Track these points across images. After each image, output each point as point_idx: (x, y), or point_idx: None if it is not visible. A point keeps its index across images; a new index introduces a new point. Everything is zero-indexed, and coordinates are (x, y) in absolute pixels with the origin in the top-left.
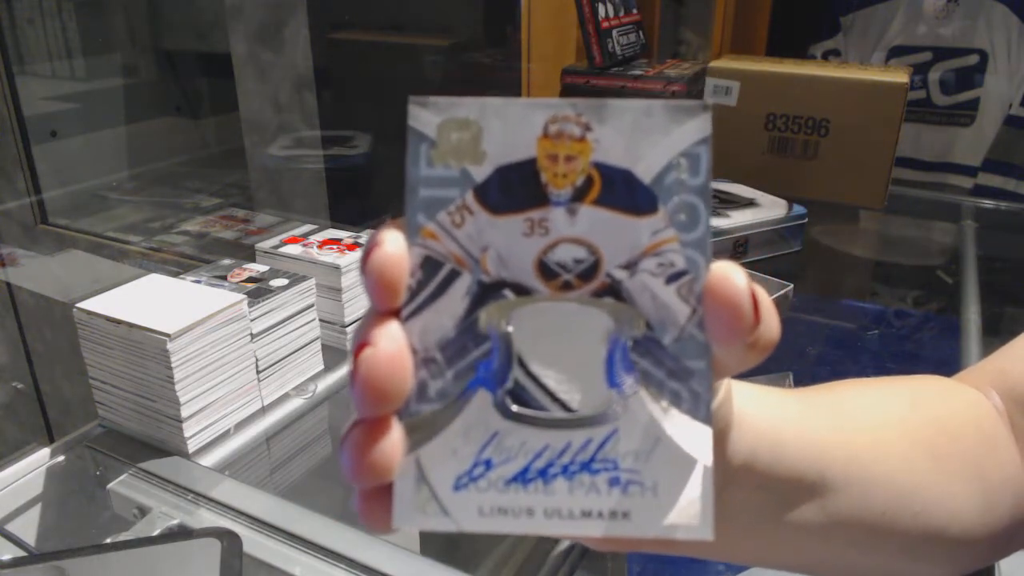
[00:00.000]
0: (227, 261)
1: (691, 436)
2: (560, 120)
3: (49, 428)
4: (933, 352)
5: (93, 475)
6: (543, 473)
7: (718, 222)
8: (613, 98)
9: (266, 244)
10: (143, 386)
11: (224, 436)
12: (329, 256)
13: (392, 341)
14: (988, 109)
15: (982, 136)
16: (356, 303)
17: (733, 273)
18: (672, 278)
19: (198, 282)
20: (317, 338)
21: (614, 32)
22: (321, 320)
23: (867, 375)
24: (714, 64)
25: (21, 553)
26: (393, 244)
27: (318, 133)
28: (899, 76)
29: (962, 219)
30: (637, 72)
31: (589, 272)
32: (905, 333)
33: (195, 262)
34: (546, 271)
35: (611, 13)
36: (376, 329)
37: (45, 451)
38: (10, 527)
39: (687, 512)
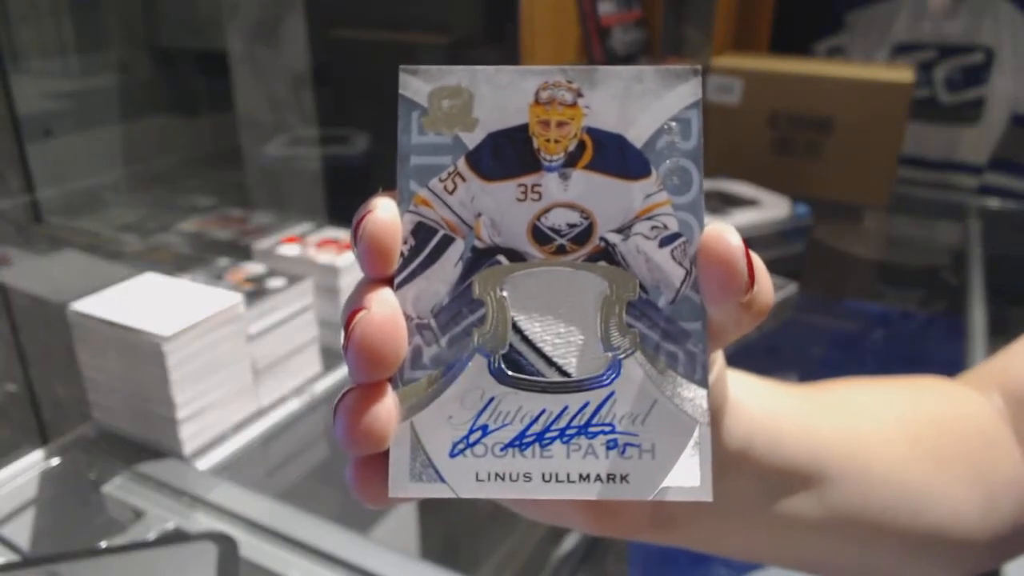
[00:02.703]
0: (224, 261)
1: (688, 398)
2: (551, 86)
3: (43, 431)
4: (938, 353)
5: (88, 478)
6: (540, 438)
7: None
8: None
9: (263, 244)
10: (138, 388)
11: (221, 438)
12: (326, 257)
13: (385, 305)
14: (994, 107)
15: (988, 134)
16: None
17: (727, 232)
18: (666, 241)
19: (194, 281)
20: (315, 339)
21: (615, 29)
22: (319, 321)
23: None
24: (717, 62)
25: (15, 557)
26: (385, 211)
27: (316, 131)
28: (904, 74)
29: (967, 219)
30: None
31: (583, 236)
32: (909, 334)
33: (191, 262)
34: (540, 236)
35: (612, 10)
36: (369, 294)
37: (39, 454)
38: (4, 531)
39: (685, 474)
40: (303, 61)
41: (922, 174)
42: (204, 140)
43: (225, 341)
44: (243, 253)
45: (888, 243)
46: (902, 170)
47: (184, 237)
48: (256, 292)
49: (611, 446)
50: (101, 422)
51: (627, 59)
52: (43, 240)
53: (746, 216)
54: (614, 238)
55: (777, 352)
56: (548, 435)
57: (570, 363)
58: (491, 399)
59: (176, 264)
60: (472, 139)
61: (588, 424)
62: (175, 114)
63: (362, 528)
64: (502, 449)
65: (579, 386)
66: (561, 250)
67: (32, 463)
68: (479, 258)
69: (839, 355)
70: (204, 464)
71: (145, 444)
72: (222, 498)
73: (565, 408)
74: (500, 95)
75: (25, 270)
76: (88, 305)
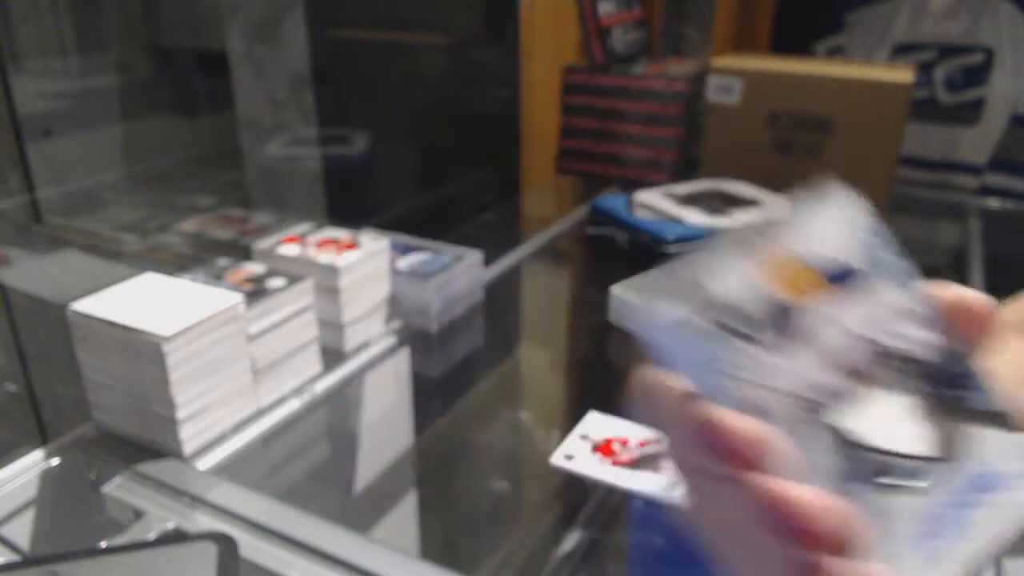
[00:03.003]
0: (224, 261)
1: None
2: (765, 246)
3: (43, 431)
4: None
5: (87, 478)
6: (961, 517)
7: (720, 222)
8: (791, 206)
9: (263, 244)
10: (138, 388)
11: (221, 438)
12: (326, 257)
13: (804, 488)
14: (994, 107)
15: (988, 135)
16: (353, 304)
17: (947, 287)
18: (918, 319)
19: (195, 281)
20: (315, 339)
21: (615, 29)
22: (319, 321)
23: None
24: (717, 62)
25: (15, 557)
26: (732, 417)
27: (315, 131)
28: (904, 74)
29: (967, 219)
30: (639, 70)
31: (866, 350)
32: None
33: (192, 262)
34: (837, 366)
35: (612, 10)
36: (774, 483)
37: (39, 454)
38: (4, 531)
39: None
40: (303, 61)
41: (922, 174)
42: (204, 140)
43: (225, 341)
44: (243, 253)
45: None
46: (902, 170)
47: (184, 237)
48: (256, 292)
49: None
50: (101, 422)
51: (627, 59)
52: (43, 240)
53: (746, 216)
54: (886, 338)
55: None
56: (964, 511)
57: (929, 450)
58: (908, 515)
59: (176, 264)
60: (731, 320)
61: (986, 483)
62: (175, 114)
63: (362, 528)
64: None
65: (953, 462)
66: (857, 370)
67: (32, 463)
68: (808, 409)
69: None
70: (204, 464)
71: (145, 444)
72: (222, 498)
73: (958, 483)
74: (729, 274)
75: (25, 270)
76: (88, 305)
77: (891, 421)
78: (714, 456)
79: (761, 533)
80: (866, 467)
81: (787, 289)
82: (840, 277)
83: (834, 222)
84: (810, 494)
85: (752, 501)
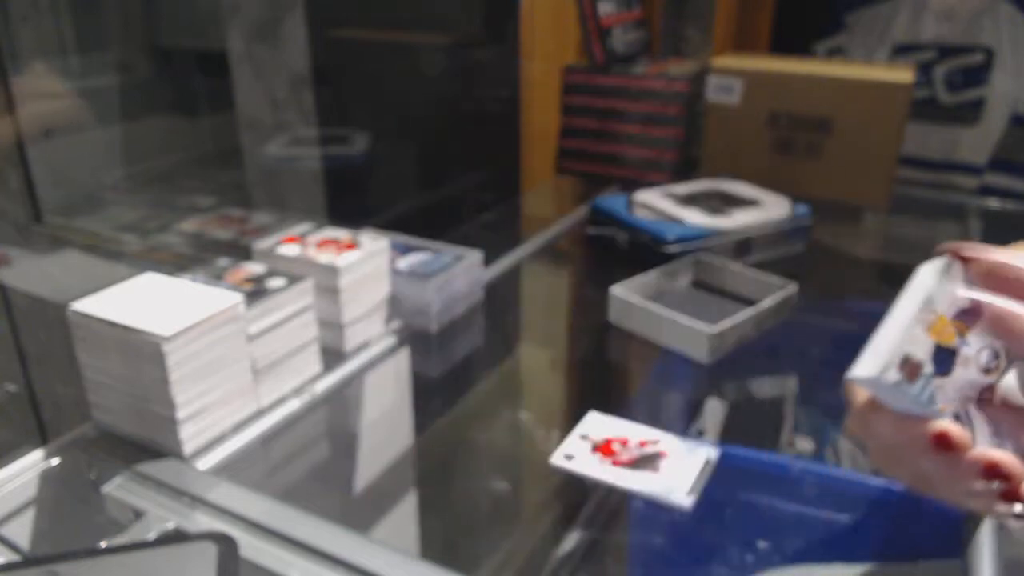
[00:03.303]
0: (224, 261)
1: None
2: (925, 317)
3: (43, 431)
4: None
5: (87, 478)
6: None
7: (720, 222)
8: (922, 278)
9: (263, 244)
10: (138, 388)
11: (221, 438)
12: (326, 257)
13: (997, 451)
14: (994, 107)
15: (988, 135)
16: (353, 304)
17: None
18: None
19: (195, 281)
20: (315, 339)
21: (615, 29)
22: (319, 321)
23: None
24: (717, 62)
25: (15, 557)
26: (946, 425)
27: (316, 131)
28: (904, 74)
29: (967, 219)
30: (639, 70)
31: (987, 350)
32: None
33: (191, 262)
34: (979, 369)
35: (612, 10)
36: (984, 452)
37: (39, 454)
38: (3, 531)
39: None
40: (303, 61)
41: (922, 174)
42: (204, 140)
43: (225, 341)
44: (243, 253)
45: (888, 243)
46: (902, 170)
47: (184, 237)
48: (256, 292)
49: None
50: (101, 422)
51: (627, 59)
52: (43, 240)
53: (746, 216)
54: (996, 345)
55: (777, 352)
56: None
57: None
58: None
59: (176, 264)
60: (927, 371)
61: None
62: (175, 114)
63: (362, 528)
64: None
65: None
66: (989, 366)
67: (32, 463)
68: (976, 401)
69: (839, 355)
70: (204, 464)
71: (145, 444)
72: (222, 498)
73: None
74: (916, 339)
75: (25, 270)
76: (88, 305)
77: (1012, 387)
78: (944, 449)
79: (978, 479)
80: (1006, 423)
81: (943, 336)
82: (964, 314)
83: (949, 282)
84: (1001, 453)
85: (971, 466)
